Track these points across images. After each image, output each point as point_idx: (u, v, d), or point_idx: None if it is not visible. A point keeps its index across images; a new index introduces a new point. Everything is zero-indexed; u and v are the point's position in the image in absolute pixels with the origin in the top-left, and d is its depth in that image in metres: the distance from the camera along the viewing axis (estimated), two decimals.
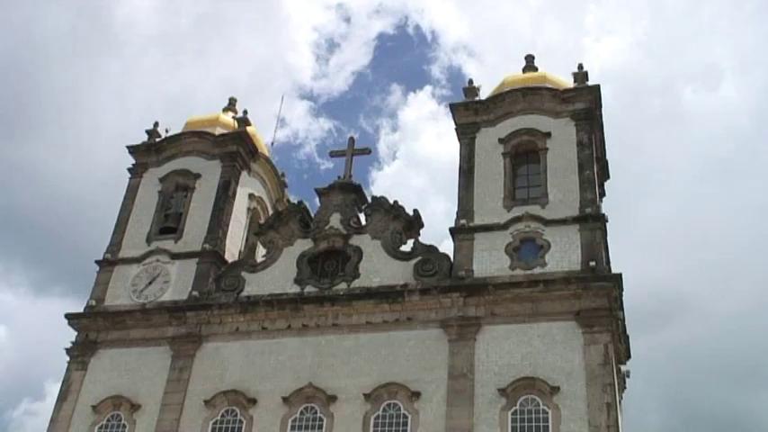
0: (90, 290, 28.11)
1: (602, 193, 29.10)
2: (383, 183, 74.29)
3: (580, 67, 27.91)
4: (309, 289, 25.48)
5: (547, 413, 21.00)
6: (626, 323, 25.71)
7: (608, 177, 30.21)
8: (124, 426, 24.35)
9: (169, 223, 29.05)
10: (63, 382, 25.88)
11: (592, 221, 24.10)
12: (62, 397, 25.46)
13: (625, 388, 27.35)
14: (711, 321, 66.68)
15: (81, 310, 27.40)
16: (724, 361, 65.44)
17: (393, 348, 23.36)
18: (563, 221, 24.32)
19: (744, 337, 64.00)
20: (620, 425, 21.47)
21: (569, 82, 27.94)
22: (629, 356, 27.20)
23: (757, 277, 63.91)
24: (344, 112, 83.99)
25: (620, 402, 25.14)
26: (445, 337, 23.06)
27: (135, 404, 24.53)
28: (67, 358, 26.51)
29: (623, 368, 26.85)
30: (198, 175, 29.81)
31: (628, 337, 26.54)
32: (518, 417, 21.21)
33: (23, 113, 67.19)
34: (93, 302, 27.56)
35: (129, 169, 31.04)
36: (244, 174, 30.13)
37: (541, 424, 20.91)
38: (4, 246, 72.62)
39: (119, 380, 25.34)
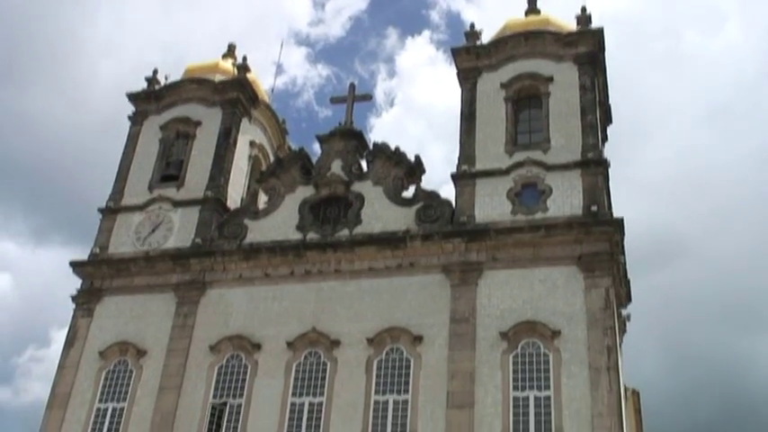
0: (93, 237, 28.22)
1: (605, 138, 28.97)
2: (381, 129, 74.02)
3: (583, 9, 27.51)
4: (312, 236, 25.56)
5: (548, 356, 21.28)
6: (626, 267, 25.87)
7: (611, 122, 30.05)
8: (131, 371, 24.72)
9: (171, 171, 29.00)
10: (69, 328, 26.20)
11: (594, 166, 24.06)
12: (69, 343, 25.81)
13: (625, 331, 27.65)
14: (710, 264, 67.20)
15: (84, 257, 27.54)
16: (722, 303, 66.21)
17: (395, 294, 23.57)
18: (565, 166, 24.28)
19: (742, 281, 64.57)
20: (620, 367, 21.77)
21: (572, 25, 27.55)
22: (629, 300, 27.42)
23: (756, 220, 64.15)
24: (342, 57, 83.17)
25: (620, 345, 25.44)
26: (447, 283, 23.24)
27: (141, 350, 24.88)
28: (73, 306, 26.77)
29: (624, 312, 27.10)
30: (198, 123, 29.65)
31: (629, 281, 26.73)
32: (519, 360, 21.50)
33: (18, 61, 66.69)
34: (98, 250, 27.69)
35: (129, 117, 30.85)
36: (244, 121, 29.96)
37: (542, 367, 21.21)
38: (2, 194, 72.69)
39: (124, 327, 25.65)
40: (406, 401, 21.87)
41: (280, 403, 22.86)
